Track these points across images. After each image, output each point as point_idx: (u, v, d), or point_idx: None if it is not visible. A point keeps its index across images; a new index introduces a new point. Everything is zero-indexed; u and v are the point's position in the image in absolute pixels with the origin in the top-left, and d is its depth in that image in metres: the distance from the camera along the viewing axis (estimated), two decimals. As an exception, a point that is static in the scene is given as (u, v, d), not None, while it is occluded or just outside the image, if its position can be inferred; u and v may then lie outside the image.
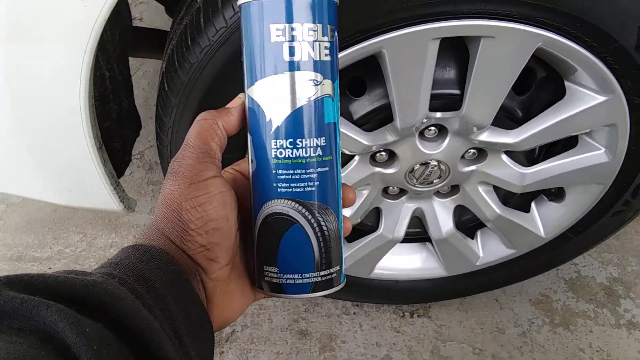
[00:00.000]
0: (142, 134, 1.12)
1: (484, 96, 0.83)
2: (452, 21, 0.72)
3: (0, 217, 1.70)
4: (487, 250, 1.17)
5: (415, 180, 0.99)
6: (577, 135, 0.95)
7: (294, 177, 0.46)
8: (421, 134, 0.92)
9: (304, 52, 0.44)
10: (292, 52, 0.44)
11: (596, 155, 0.93)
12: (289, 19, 0.43)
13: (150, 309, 0.38)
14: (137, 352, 0.34)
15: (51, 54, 0.73)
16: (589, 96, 0.83)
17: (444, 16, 0.71)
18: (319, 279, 0.48)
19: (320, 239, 0.47)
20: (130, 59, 0.96)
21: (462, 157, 0.96)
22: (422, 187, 1.01)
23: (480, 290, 1.33)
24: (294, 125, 0.45)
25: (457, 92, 0.85)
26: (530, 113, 0.90)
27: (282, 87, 0.44)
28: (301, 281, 0.47)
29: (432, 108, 0.85)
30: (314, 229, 0.47)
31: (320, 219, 0.47)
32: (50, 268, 1.52)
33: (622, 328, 1.32)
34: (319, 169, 0.46)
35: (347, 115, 0.88)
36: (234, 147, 0.76)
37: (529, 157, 1.02)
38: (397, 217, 1.10)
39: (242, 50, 0.47)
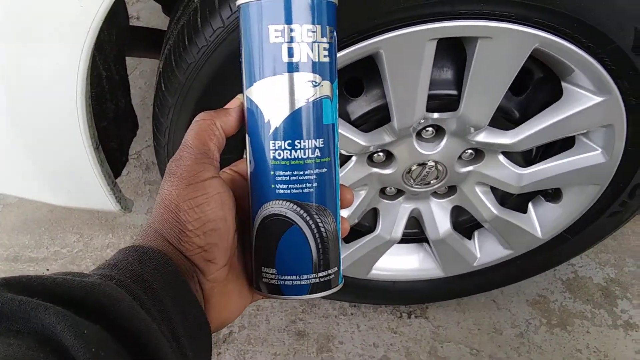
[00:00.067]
0: (139, 133, 1.11)
1: (481, 97, 0.83)
2: (450, 22, 0.72)
3: (-4, 217, 1.69)
4: (484, 250, 1.17)
5: (412, 180, 0.99)
6: (574, 136, 0.95)
7: (292, 178, 0.46)
8: (418, 135, 0.92)
9: (303, 53, 0.44)
10: (290, 53, 0.44)
11: (593, 156, 0.94)
12: (288, 20, 0.43)
13: (148, 310, 0.37)
14: (135, 353, 0.34)
15: (48, 54, 0.72)
16: (585, 97, 0.84)
17: (442, 17, 0.72)
18: (317, 280, 0.48)
19: (318, 241, 0.47)
20: (127, 58, 0.96)
21: (460, 157, 0.96)
22: (419, 188, 1.01)
23: (478, 291, 1.33)
24: (292, 127, 0.45)
25: (454, 92, 0.85)
26: (527, 114, 0.90)
27: (281, 88, 0.44)
28: (299, 282, 0.47)
29: (430, 109, 0.85)
30: (311, 230, 0.47)
31: (318, 220, 0.47)
32: (47, 270, 1.52)
33: (619, 329, 1.32)
34: (317, 170, 0.46)
35: (344, 115, 0.88)
36: (232, 148, 0.76)
37: (526, 157, 1.03)
38: (395, 217, 1.11)
39: (240, 51, 0.47)
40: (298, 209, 0.46)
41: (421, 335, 1.33)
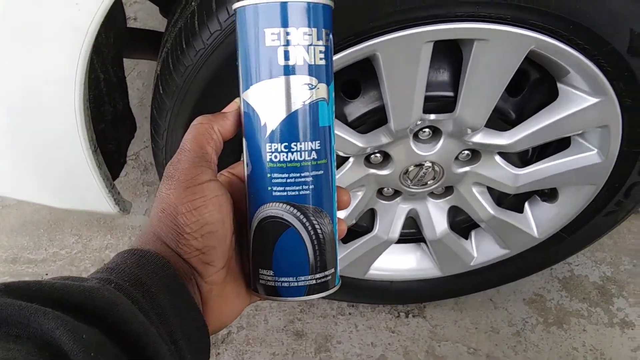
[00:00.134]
0: (137, 134, 1.12)
1: (477, 98, 0.83)
2: (446, 24, 0.72)
3: (-6, 218, 1.69)
4: (481, 250, 1.18)
5: (409, 181, 1.00)
6: (570, 137, 0.96)
7: (288, 180, 0.46)
8: (415, 136, 0.92)
9: (299, 56, 0.44)
10: (287, 56, 0.44)
11: (589, 156, 0.94)
12: (284, 23, 0.43)
13: (146, 313, 0.38)
14: (133, 356, 0.34)
15: (46, 57, 0.72)
16: (581, 98, 0.84)
17: (438, 19, 0.72)
18: (314, 281, 0.48)
19: (315, 242, 0.47)
20: (124, 59, 0.96)
21: (456, 158, 0.97)
22: (416, 189, 1.02)
23: (475, 290, 1.33)
24: (288, 129, 0.45)
25: (450, 94, 0.85)
26: (523, 115, 0.90)
27: (277, 91, 0.45)
28: (296, 284, 0.47)
29: (426, 110, 0.85)
30: (308, 232, 0.47)
31: (315, 222, 0.47)
32: (47, 274, 1.52)
33: (615, 327, 1.33)
34: (314, 173, 0.46)
35: (341, 117, 0.89)
36: (230, 151, 0.76)
37: (522, 158, 1.03)
38: (392, 218, 1.11)
39: (237, 54, 0.47)
40: (295, 211, 0.46)
41: (419, 335, 1.34)
